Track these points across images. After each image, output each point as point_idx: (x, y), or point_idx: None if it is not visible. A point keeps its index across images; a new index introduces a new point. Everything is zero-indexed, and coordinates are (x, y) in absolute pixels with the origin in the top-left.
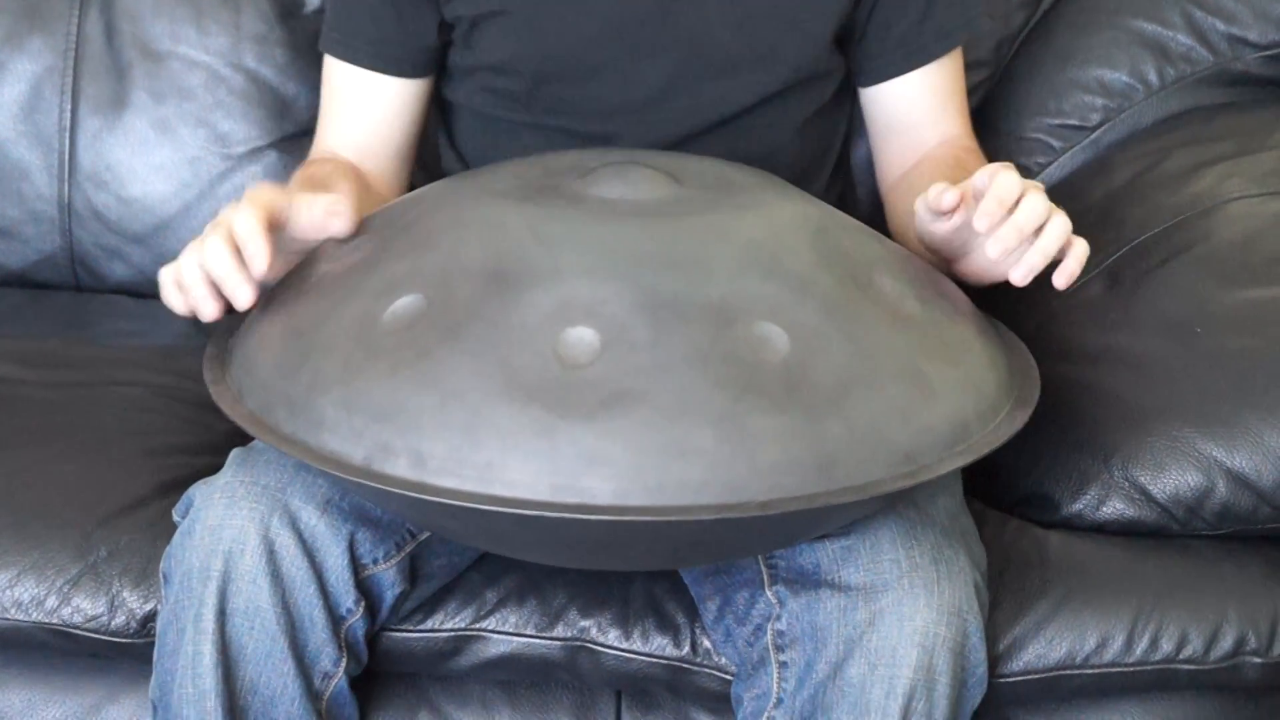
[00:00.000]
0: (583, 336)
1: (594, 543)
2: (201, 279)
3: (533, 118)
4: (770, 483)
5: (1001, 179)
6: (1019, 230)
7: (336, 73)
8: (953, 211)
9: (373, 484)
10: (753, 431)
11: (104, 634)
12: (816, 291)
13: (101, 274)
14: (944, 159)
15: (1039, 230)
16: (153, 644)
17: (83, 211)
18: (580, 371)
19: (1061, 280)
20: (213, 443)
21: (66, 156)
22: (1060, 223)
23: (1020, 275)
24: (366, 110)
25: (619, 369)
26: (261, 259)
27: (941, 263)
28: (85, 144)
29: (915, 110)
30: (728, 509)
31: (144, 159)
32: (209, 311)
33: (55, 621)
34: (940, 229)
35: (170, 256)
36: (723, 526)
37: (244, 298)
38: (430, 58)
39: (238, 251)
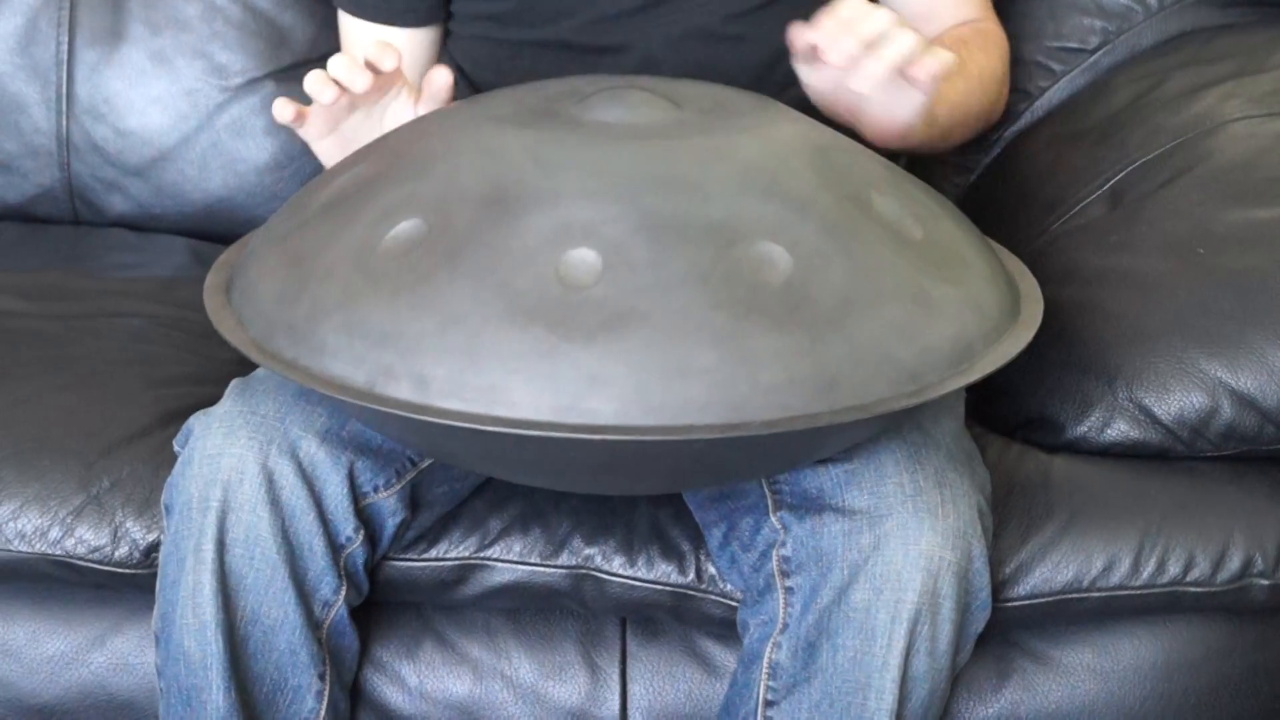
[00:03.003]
0: (584, 257)
1: (597, 464)
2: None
3: (531, 34)
4: (773, 402)
5: (846, 5)
6: (858, 37)
7: (350, 28)
8: (814, 51)
9: (375, 406)
10: (755, 351)
11: (107, 565)
12: (817, 211)
13: (100, 207)
14: (946, 41)
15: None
16: (156, 575)
17: (80, 145)
18: (581, 292)
19: (919, 72)
20: (214, 373)
21: (64, 89)
22: (907, 36)
23: (859, 81)
24: None
25: (620, 289)
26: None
27: (850, 124)
28: (82, 77)
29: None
30: (731, 428)
31: (141, 91)
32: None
33: (58, 553)
34: (818, 81)
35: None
36: (726, 446)
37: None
38: (436, 3)
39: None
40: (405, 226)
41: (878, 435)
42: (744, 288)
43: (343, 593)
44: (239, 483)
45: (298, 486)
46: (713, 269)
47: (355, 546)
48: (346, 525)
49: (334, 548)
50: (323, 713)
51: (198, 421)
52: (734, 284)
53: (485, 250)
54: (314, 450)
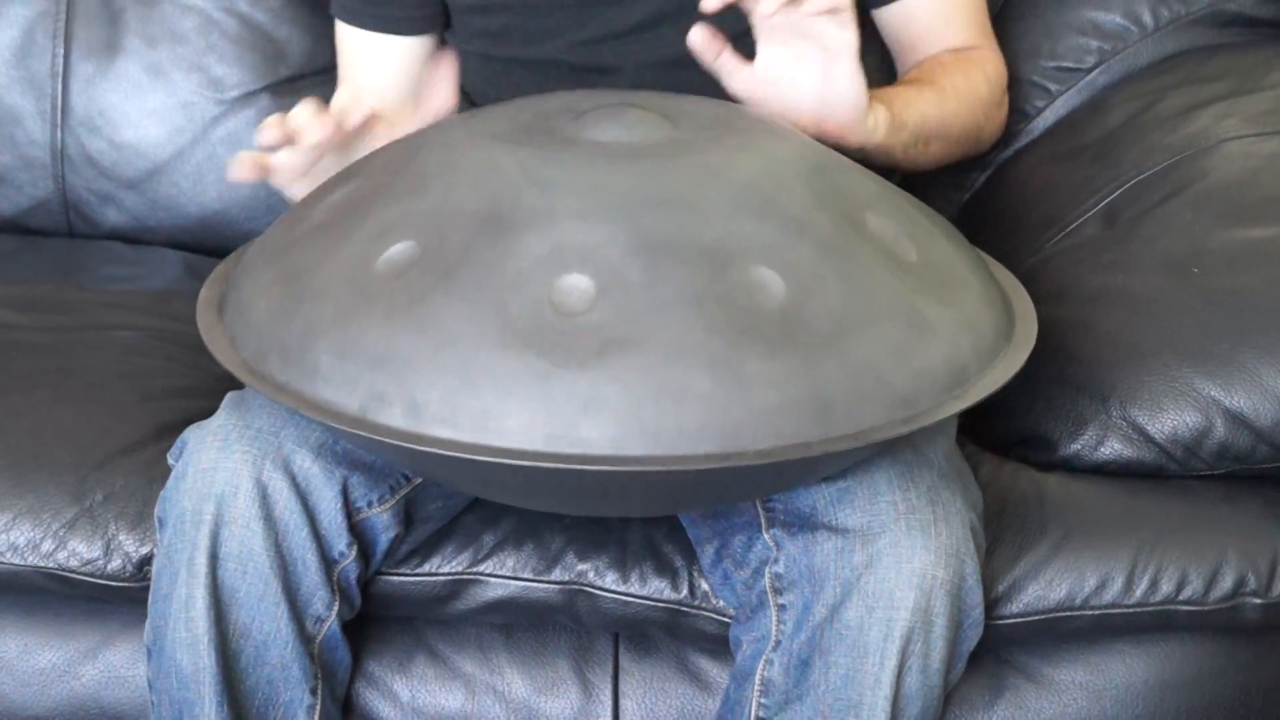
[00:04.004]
0: (577, 283)
1: (590, 491)
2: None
3: (523, 52)
4: (767, 427)
5: None
6: None
7: (347, 38)
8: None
9: (366, 434)
10: (749, 376)
11: (100, 578)
12: (812, 232)
13: (95, 220)
14: (925, 65)
15: None
16: (148, 588)
17: (75, 157)
18: (575, 318)
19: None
20: (208, 386)
21: (59, 102)
22: None
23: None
24: (380, 71)
25: (614, 315)
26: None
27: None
28: (78, 89)
29: (920, 23)
30: (725, 458)
31: (137, 104)
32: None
33: (51, 565)
34: (739, 86)
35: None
36: (720, 474)
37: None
38: (434, 13)
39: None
40: (400, 247)
41: (873, 457)
42: (739, 312)
43: (335, 607)
44: (233, 497)
45: (291, 501)
46: (708, 293)
47: (348, 561)
48: (340, 540)
49: (327, 562)
50: None
51: (192, 435)
52: (729, 308)
53: (480, 272)
54: (308, 465)
